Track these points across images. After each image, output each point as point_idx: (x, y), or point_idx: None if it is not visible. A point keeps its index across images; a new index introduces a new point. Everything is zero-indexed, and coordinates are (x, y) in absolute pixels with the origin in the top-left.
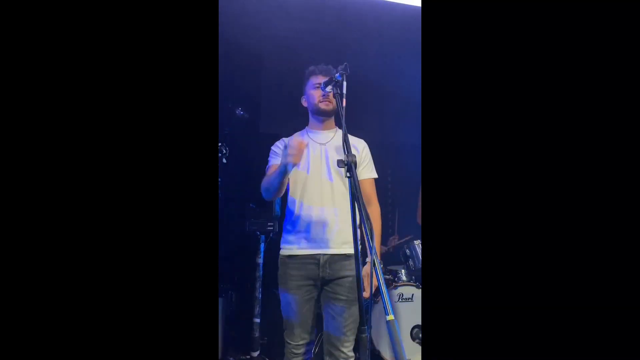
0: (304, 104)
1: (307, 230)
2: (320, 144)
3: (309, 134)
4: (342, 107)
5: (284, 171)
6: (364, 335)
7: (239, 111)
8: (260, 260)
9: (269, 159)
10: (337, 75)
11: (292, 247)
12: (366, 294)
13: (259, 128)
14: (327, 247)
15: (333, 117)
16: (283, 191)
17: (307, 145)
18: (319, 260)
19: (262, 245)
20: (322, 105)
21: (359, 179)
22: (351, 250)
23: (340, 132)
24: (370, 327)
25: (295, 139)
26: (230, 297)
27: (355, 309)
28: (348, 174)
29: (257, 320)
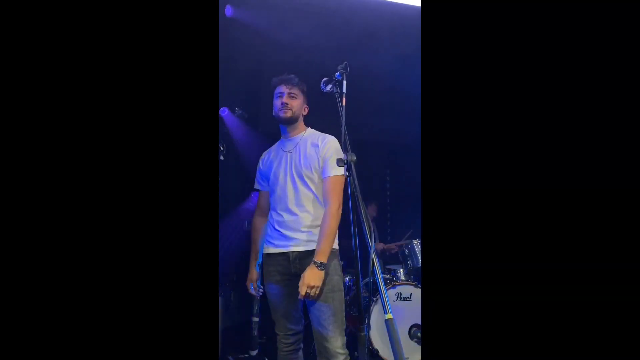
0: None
1: (279, 232)
2: (285, 151)
3: (281, 142)
4: (342, 107)
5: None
6: (362, 334)
7: (238, 111)
8: (259, 260)
9: (256, 177)
10: (337, 74)
11: (269, 246)
12: (302, 292)
13: (259, 128)
14: (295, 245)
15: (300, 120)
16: None
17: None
18: (289, 256)
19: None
20: (281, 114)
21: (323, 176)
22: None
23: (310, 130)
24: (369, 326)
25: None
26: (230, 297)
27: (332, 304)
28: (347, 173)
29: (256, 319)
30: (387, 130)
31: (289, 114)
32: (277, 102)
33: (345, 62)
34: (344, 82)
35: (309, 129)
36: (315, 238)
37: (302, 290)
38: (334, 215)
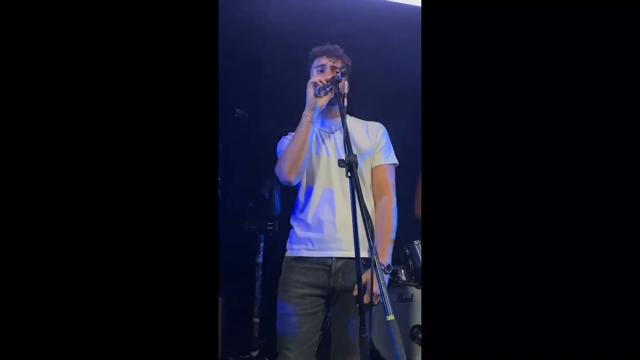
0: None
1: (316, 232)
2: (328, 133)
3: (314, 123)
4: (344, 107)
5: (310, 109)
6: (364, 336)
7: (239, 111)
8: (260, 260)
9: (279, 150)
10: (338, 75)
11: (298, 249)
12: (366, 299)
13: (259, 128)
14: (340, 249)
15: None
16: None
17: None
18: (330, 265)
19: (261, 245)
20: (311, 92)
21: (374, 165)
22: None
23: (352, 119)
24: (370, 328)
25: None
26: (230, 297)
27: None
28: (349, 174)
29: (257, 320)
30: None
31: (332, 92)
32: (315, 77)
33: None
34: (346, 83)
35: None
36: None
37: (367, 299)
38: (394, 210)
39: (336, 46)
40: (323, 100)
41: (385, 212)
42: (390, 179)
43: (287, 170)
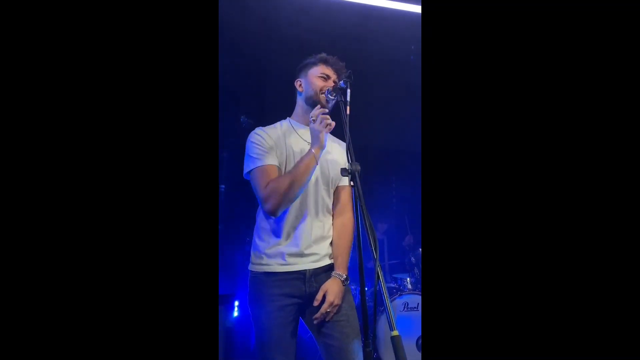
0: (299, 88)
1: (291, 245)
2: (307, 142)
3: (293, 126)
4: (346, 115)
5: (321, 149)
6: (368, 350)
7: (243, 119)
8: None
9: (254, 157)
10: (341, 82)
11: (272, 264)
12: (324, 309)
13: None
14: (314, 260)
15: None
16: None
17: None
18: (305, 274)
19: None
20: (323, 99)
21: (340, 184)
22: (330, 261)
23: (330, 138)
24: (374, 341)
25: (317, 110)
26: (231, 304)
27: (354, 323)
28: (352, 183)
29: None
30: (391, 136)
31: (334, 102)
32: (319, 84)
33: (349, 71)
34: (349, 91)
35: None
36: (329, 251)
37: (324, 308)
38: (352, 227)
39: (336, 57)
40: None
41: (348, 227)
42: (351, 198)
43: (279, 206)
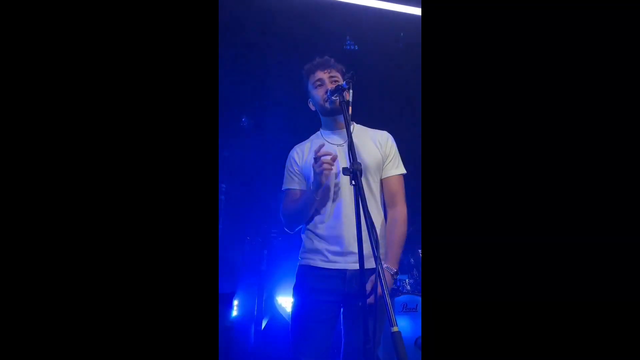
0: (312, 107)
1: (331, 244)
2: (338, 145)
3: (324, 136)
4: (349, 115)
5: (317, 189)
6: (369, 346)
7: (244, 120)
8: (264, 267)
9: (286, 176)
10: (343, 83)
11: (314, 260)
12: (371, 300)
13: (264, 134)
14: (354, 261)
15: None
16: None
17: (336, 157)
18: (345, 274)
19: (264, 252)
20: (328, 105)
21: (384, 176)
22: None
23: (358, 127)
24: (375, 338)
25: (323, 149)
26: (229, 303)
27: (382, 319)
28: (353, 182)
29: (260, 328)
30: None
31: (337, 102)
32: (318, 93)
33: (352, 72)
34: (351, 91)
35: (356, 124)
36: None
37: (371, 300)
38: (406, 220)
39: (326, 57)
40: (331, 169)
41: (399, 220)
42: (401, 188)
43: (287, 224)
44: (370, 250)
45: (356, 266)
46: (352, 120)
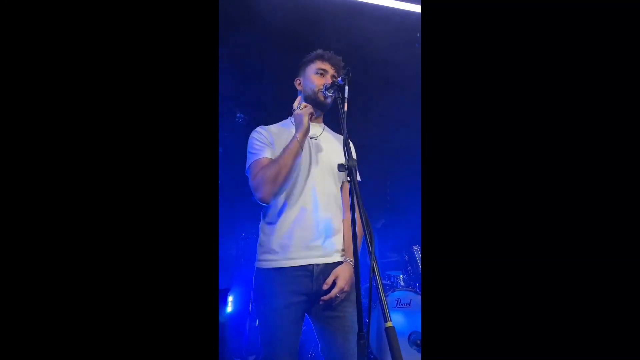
0: (298, 86)
1: (297, 239)
2: (310, 137)
3: (294, 124)
4: (344, 112)
5: (304, 134)
6: (362, 342)
7: (239, 115)
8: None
9: (252, 152)
10: (339, 79)
11: (278, 259)
12: (333, 293)
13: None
14: (321, 256)
15: (322, 114)
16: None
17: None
18: (312, 271)
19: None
20: (326, 99)
21: (343, 181)
22: (340, 259)
23: (326, 131)
24: (368, 334)
25: (297, 100)
26: (224, 299)
27: (353, 314)
28: (349, 179)
29: (255, 324)
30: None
31: (329, 99)
32: (317, 80)
33: (347, 68)
34: (346, 88)
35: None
36: (340, 247)
37: (334, 293)
38: (359, 223)
39: (332, 52)
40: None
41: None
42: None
43: (267, 192)
44: (339, 246)
45: (322, 260)
46: (323, 124)
